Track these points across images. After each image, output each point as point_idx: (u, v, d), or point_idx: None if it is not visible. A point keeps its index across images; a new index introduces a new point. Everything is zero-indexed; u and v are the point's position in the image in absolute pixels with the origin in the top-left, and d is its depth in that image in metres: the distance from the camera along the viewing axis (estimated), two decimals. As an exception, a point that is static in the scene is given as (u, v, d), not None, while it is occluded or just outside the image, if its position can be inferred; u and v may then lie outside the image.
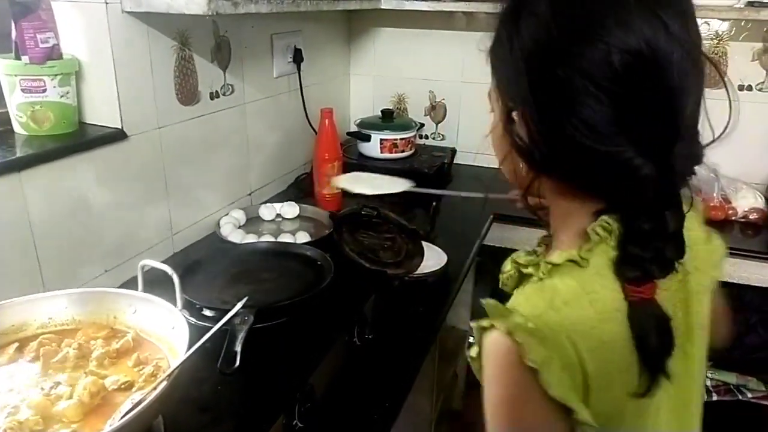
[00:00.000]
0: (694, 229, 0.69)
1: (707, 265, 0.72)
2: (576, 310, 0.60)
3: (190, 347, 0.75)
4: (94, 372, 0.76)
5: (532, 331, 0.57)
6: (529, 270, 0.66)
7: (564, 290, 0.61)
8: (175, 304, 0.90)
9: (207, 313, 1.01)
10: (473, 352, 0.64)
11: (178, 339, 0.78)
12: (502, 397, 0.61)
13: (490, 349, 0.60)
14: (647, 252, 0.60)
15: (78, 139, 1.21)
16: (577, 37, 0.57)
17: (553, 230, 0.70)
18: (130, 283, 1.18)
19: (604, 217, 0.63)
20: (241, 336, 0.85)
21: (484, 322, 0.61)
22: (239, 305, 0.84)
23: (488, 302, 0.62)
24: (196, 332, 0.87)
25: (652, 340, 0.60)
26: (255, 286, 1.10)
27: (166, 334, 0.82)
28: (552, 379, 0.56)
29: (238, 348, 0.83)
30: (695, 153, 0.61)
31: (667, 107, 0.58)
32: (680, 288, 0.66)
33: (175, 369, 0.69)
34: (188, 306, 1.02)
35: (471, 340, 0.83)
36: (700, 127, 0.63)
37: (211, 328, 0.82)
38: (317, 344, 1.00)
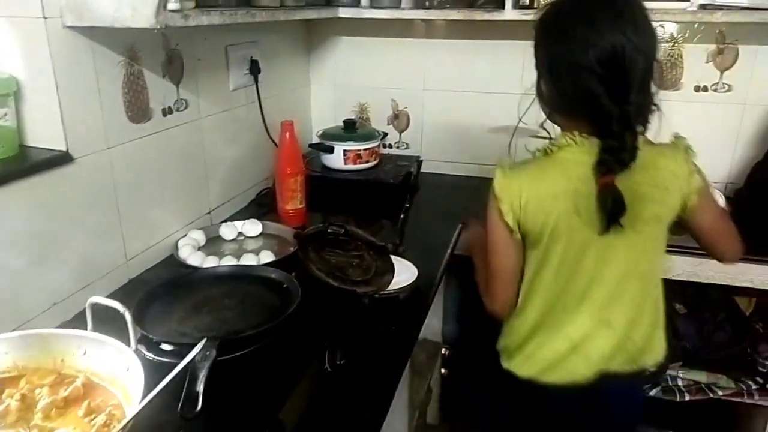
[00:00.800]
0: (674, 163, 1.10)
1: (674, 186, 1.09)
2: (532, 180, 1.07)
3: (146, 390, 0.68)
4: (39, 426, 0.69)
5: (504, 184, 1.08)
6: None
7: (535, 166, 1.10)
8: (129, 342, 0.83)
9: (165, 347, 0.95)
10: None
11: (132, 382, 0.71)
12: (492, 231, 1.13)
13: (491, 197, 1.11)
14: (612, 157, 0.99)
15: (19, 164, 1.12)
16: (574, 41, 0.99)
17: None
18: (81, 317, 1.10)
19: (576, 133, 1.05)
20: (202, 374, 0.79)
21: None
22: (198, 348, 0.78)
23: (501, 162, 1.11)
24: (154, 370, 0.81)
25: (608, 203, 0.99)
26: (216, 315, 1.04)
27: (119, 377, 0.75)
28: (504, 209, 1.07)
29: (200, 388, 0.77)
30: (642, 102, 1.01)
31: (623, 77, 0.97)
32: (630, 188, 1.01)
33: (129, 421, 0.63)
34: (145, 341, 0.95)
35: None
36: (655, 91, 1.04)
37: (171, 363, 0.76)
38: (286, 375, 0.95)
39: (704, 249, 1.24)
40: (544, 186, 1.05)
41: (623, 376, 1.13)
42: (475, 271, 1.30)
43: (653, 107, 1.04)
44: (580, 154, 1.03)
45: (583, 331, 1.11)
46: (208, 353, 0.84)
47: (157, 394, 0.77)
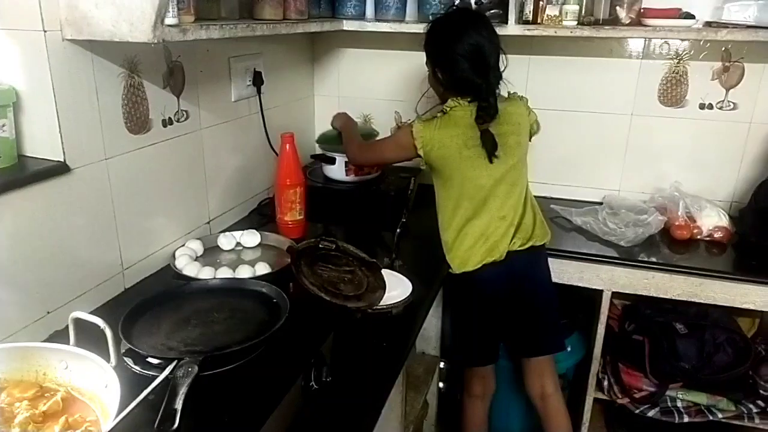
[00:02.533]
0: (519, 108, 1.64)
1: (523, 121, 1.63)
2: (436, 129, 1.56)
3: (125, 406, 0.69)
4: (15, 440, 0.69)
5: (420, 129, 1.58)
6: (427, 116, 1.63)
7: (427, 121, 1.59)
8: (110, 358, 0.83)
9: (152, 360, 0.95)
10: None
11: (110, 399, 0.72)
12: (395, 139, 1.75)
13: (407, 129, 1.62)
14: (484, 113, 1.52)
15: (16, 173, 1.14)
16: (454, 42, 1.51)
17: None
18: (77, 326, 1.10)
19: (459, 99, 1.56)
20: (182, 391, 0.79)
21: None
22: (168, 370, 0.78)
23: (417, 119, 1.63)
24: (140, 384, 0.82)
25: (488, 143, 1.52)
26: (204, 329, 1.04)
27: (98, 393, 0.76)
28: (417, 144, 1.58)
29: (179, 405, 0.77)
30: (497, 76, 1.54)
31: (485, 62, 1.51)
32: (497, 130, 1.54)
33: (101, 439, 0.63)
34: (132, 354, 0.96)
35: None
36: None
37: (157, 377, 0.77)
38: (270, 392, 0.94)
39: None
40: (446, 132, 1.54)
41: (523, 252, 1.62)
42: (343, 141, 1.88)
43: (501, 78, 1.57)
44: (464, 112, 1.54)
45: (490, 227, 1.59)
46: (189, 369, 0.84)
47: (137, 409, 0.78)
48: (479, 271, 1.60)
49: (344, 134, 1.89)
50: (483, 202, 1.58)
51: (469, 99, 1.54)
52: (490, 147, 1.52)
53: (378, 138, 1.98)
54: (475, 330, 1.71)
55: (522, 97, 1.67)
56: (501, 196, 1.58)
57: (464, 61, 1.49)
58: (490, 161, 1.53)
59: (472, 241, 1.60)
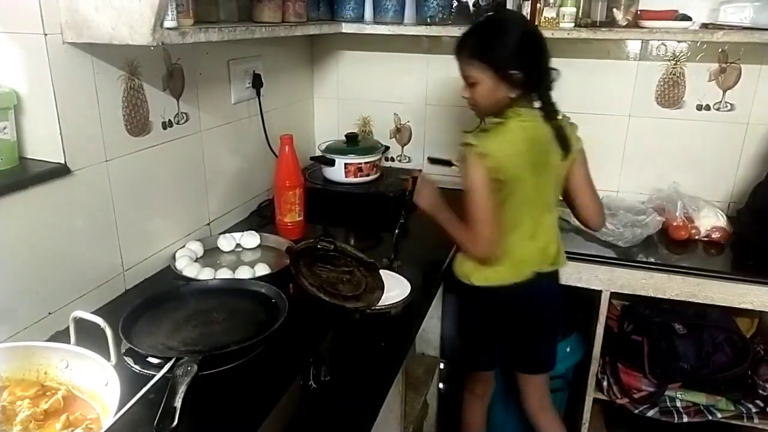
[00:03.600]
0: (572, 134, 1.50)
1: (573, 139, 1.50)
2: (504, 143, 1.40)
3: (122, 406, 0.69)
4: (17, 438, 0.70)
5: (483, 145, 1.38)
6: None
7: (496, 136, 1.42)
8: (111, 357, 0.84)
9: (152, 360, 0.96)
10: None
11: (110, 397, 0.72)
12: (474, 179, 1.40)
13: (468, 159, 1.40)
14: (553, 107, 1.45)
15: (18, 175, 1.15)
16: (529, 34, 1.44)
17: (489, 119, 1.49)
18: (78, 327, 1.11)
19: (519, 108, 1.42)
20: (181, 389, 0.80)
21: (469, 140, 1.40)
22: (166, 368, 0.79)
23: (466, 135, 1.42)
24: (140, 383, 0.82)
25: (562, 139, 1.45)
26: (203, 329, 1.05)
27: (99, 392, 0.76)
28: (488, 163, 1.37)
29: (178, 403, 0.78)
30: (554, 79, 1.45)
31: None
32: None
33: (101, 436, 0.64)
34: (132, 353, 0.97)
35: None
36: None
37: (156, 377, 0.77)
38: (268, 391, 0.95)
39: (574, 209, 1.61)
40: (510, 145, 1.41)
41: (544, 275, 1.57)
42: (443, 229, 1.52)
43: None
44: (527, 120, 1.43)
45: (521, 247, 1.52)
46: (189, 368, 0.85)
47: (137, 408, 0.79)
48: (500, 288, 1.54)
49: (442, 222, 1.53)
50: (518, 221, 1.50)
51: (532, 105, 1.45)
52: (563, 141, 1.44)
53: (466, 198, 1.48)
54: (482, 340, 1.71)
55: (573, 123, 1.55)
56: (536, 216, 1.52)
57: (543, 53, 1.41)
58: (565, 156, 1.45)
59: (505, 262, 1.52)
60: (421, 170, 2.25)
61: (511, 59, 1.39)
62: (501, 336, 1.68)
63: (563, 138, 1.45)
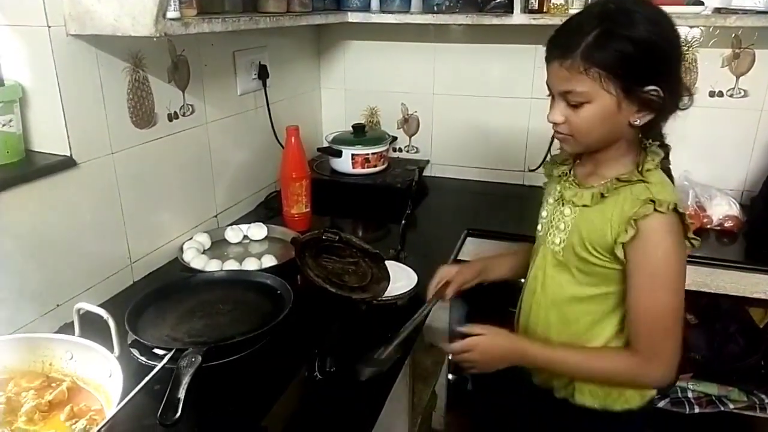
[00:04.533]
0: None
1: None
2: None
3: (125, 396, 0.69)
4: (21, 429, 0.71)
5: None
6: (627, 177, 0.99)
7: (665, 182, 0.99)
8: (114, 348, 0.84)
9: (158, 351, 0.96)
10: (628, 236, 0.94)
11: (114, 388, 0.73)
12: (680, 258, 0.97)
13: (670, 228, 0.94)
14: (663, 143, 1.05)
15: (23, 168, 1.15)
16: (676, 37, 0.98)
17: (601, 161, 1.03)
18: (82, 320, 1.12)
19: (650, 157, 1.00)
20: (185, 381, 0.80)
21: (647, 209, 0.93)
22: (166, 359, 0.79)
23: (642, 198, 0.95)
24: (144, 374, 0.83)
25: None
26: (209, 321, 1.05)
27: (103, 383, 0.77)
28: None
29: (182, 394, 0.78)
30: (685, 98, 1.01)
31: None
32: None
33: (103, 425, 0.64)
34: (138, 345, 0.97)
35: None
36: None
37: (162, 367, 0.77)
38: (273, 382, 0.95)
39: None
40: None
41: None
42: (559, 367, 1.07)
43: None
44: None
45: None
46: (193, 359, 0.85)
47: (142, 399, 0.79)
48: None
49: (547, 363, 1.08)
50: None
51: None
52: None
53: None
54: None
55: None
56: None
57: (680, 59, 1.00)
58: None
59: None
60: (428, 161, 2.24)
61: (649, 67, 0.92)
62: None
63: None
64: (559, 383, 1.12)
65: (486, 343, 1.05)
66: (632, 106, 0.94)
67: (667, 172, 1.03)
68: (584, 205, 1.03)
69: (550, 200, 1.14)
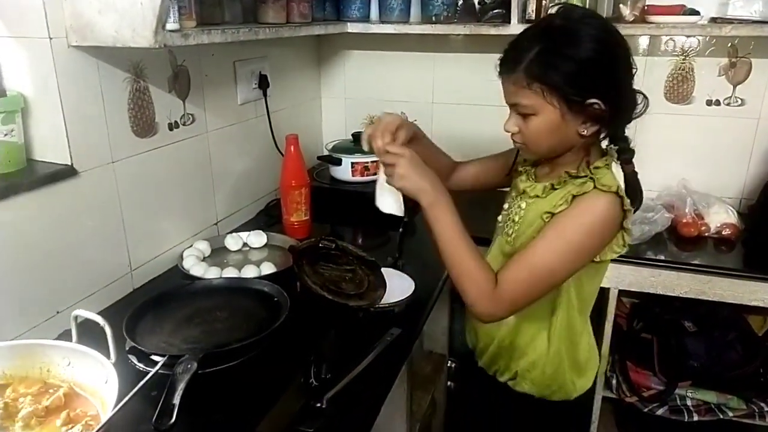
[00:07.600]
0: None
1: None
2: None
3: (119, 402, 0.71)
4: (18, 434, 0.72)
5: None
6: (576, 173, 1.03)
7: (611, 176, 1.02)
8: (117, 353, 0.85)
9: (155, 358, 0.97)
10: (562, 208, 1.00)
11: (109, 394, 0.74)
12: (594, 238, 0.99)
13: (604, 204, 0.98)
14: (630, 154, 1.06)
15: (25, 177, 1.17)
16: (624, 50, 1.00)
17: (558, 163, 1.07)
18: (82, 327, 1.13)
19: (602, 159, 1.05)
20: (181, 386, 0.81)
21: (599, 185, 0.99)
22: (159, 364, 0.80)
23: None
24: (140, 380, 0.84)
25: (638, 191, 1.06)
26: (205, 328, 1.06)
27: (99, 389, 0.78)
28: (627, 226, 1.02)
29: (177, 400, 0.79)
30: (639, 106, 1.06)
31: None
32: None
33: (98, 430, 0.65)
34: (135, 351, 0.98)
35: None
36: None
37: (160, 374, 0.78)
38: (268, 389, 0.96)
39: None
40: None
41: None
42: (438, 238, 1.07)
43: None
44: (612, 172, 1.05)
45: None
46: (189, 366, 0.86)
47: (138, 405, 0.80)
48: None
49: (442, 224, 1.09)
50: (588, 307, 1.21)
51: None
52: (639, 194, 1.06)
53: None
54: None
55: None
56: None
57: (628, 70, 1.01)
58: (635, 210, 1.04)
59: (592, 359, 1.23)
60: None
61: (589, 82, 0.95)
62: None
63: (638, 191, 1.06)
64: (499, 367, 1.21)
65: (416, 159, 1.05)
66: (577, 117, 0.98)
67: (633, 176, 1.05)
68: (536, 196, 1.09)
69: (513, 194, 1.20)
